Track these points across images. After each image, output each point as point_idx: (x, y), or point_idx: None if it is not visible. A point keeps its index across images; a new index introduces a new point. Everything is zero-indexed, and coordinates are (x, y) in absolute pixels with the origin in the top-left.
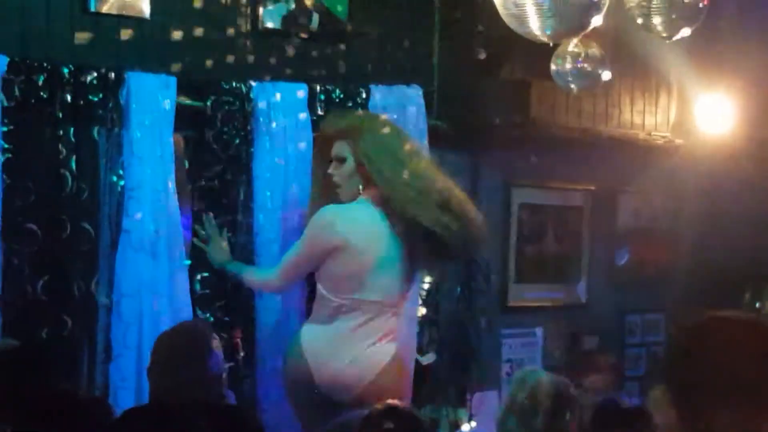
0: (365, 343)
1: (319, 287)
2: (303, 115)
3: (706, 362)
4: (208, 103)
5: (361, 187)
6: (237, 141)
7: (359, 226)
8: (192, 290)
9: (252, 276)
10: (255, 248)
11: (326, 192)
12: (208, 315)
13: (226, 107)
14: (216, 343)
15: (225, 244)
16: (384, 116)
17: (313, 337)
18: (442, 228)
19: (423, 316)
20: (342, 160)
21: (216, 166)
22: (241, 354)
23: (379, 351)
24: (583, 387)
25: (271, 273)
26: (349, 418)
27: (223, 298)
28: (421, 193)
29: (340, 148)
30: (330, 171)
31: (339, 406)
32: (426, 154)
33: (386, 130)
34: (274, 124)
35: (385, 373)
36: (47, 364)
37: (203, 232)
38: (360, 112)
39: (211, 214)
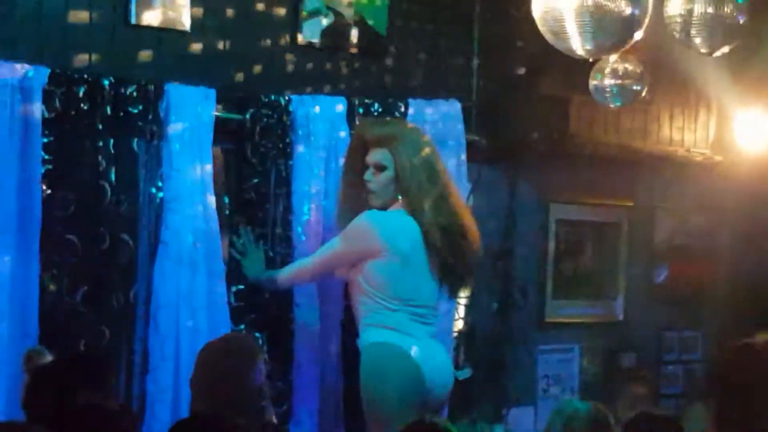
0: (445, 352)
1: (376, 295)
2: (342, 129)
3: (751, 380)
4: (247, 116)
5: (399, 196)
6: (275, 154)
7: (403, 234)
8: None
9: (284, 274)
10: (294, 261)
11: (355, 196)
12: (241, 327)
13: (265, 120)
14: (261, 357)
15: (261, 256)
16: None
17: (408, 342)
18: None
19: (459, 332)
20: (382, 168)
21: (254, 178)
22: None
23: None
24: (619, 401)
25: (303, 264)
26: None
27: (259, 311)
28: (442, 215)
29: (381, 155)
30: (367, 177)
31: (429, 411)
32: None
33: (426, 143)
34: (312, 138)
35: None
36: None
37: (240, 245)
38: (401, 121)
39: (248, 227)
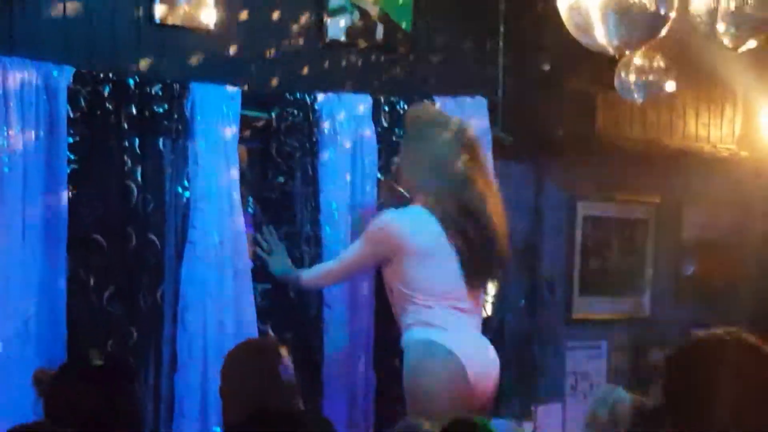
0: (488, 344)
1: (410, 295)
2: (367, 127)
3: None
4: (273, 115)
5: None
6: (301, 153)
7: (421, 229)
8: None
9: (309, 274)
10: (323, 260)
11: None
12: (268, 327)
13: (291, 119)
14: (285, 355)
15: (285, 253)
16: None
17: (449, 338)
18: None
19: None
20: None
21: (280, 177)
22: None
23: (493, 352)
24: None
25: (328, 266)
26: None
27: (286, 309)
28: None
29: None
30: None
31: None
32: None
33: (438, 127)
34: (338, 136)
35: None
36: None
37: (265, 243)
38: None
39: (272, 226)
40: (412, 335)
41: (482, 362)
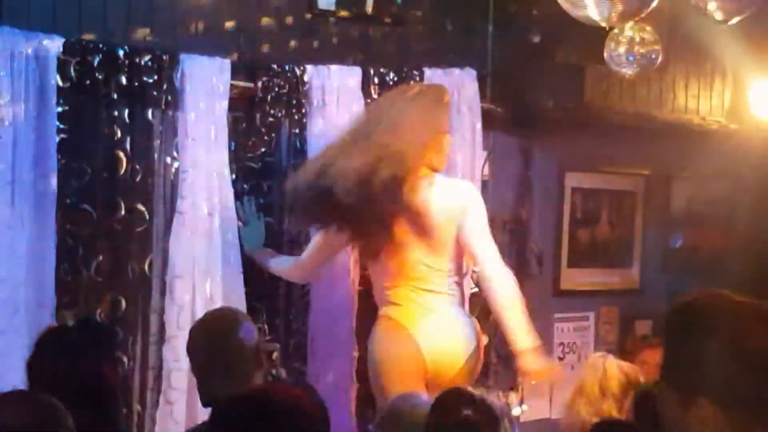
0: (458, 321)
1: (377, 279)
2: (356, 98)
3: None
4: (259, 85)
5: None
6: (290, 124)
7: None
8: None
9: (278, 262)
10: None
11: None
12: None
13: (278, 89)
14: (245, 321)
15: (262, 228)
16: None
17: (402, 312)
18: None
19: (474, 299)
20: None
21: (267, 148)
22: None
23: (464, 329)
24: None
25: (297, 260)
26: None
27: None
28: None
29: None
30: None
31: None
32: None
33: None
34: (327, 107)
35: (475, 351)
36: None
37: (242, 213)
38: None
39: (252, 198)
40: (379, 313)
41: (441, 338)
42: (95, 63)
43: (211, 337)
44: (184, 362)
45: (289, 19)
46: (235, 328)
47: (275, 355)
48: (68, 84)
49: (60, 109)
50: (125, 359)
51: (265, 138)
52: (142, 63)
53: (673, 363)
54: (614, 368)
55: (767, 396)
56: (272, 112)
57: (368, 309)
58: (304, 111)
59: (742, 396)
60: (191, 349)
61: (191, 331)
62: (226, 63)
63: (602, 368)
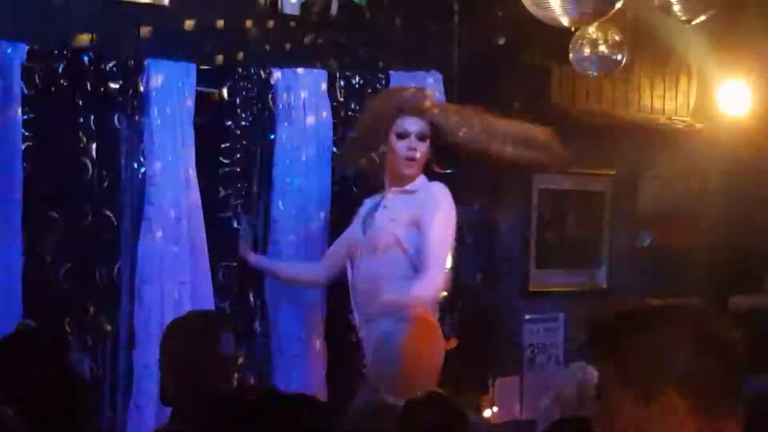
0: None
1: None
2: (322, 102)
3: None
4: (224, 90)
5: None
6: (256, 128)
7: None
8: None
9: (293, 268)
10: (272, 235)
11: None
12: (226, 305)
13: (245, 94)
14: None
15: (250, 236)
16: None
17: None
18: None
19: (443, 302)
20: (425, 138)
21: (235, 153)
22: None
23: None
24: None
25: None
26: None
27: (244, 288)
28: None
29: (423, 125)
30: (413, 146)
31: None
32: None
33: None
34: (293, 111)
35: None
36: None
37: (242, 228)
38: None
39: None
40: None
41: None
42: (60, 69)
43: (191, 340)
44: (154, 367)
45: (255, 24)
46: (218, 334)
47: (240, 360)
48: (33, 91)
49: (25, 116)
50: (93, 365)
51: (239, 143)
52: (107, 69)
53: (626, 365)
54: (593, 377)
55: (725, 384)
56: (243, 116)
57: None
58: (269, 114)
59: (704, 385)
60: (167, 348)
61: (171, 328)
62: (192, 67)
63: (580, 376)
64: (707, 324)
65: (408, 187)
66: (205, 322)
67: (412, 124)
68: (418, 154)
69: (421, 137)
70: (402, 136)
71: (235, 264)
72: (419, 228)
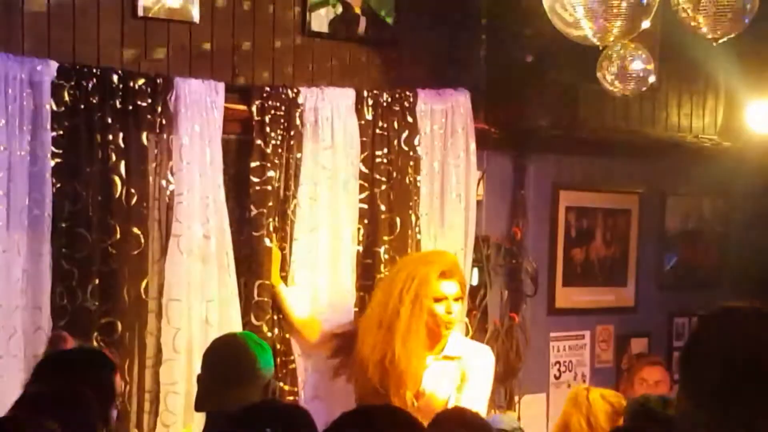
0: None
1: None
2: (350, 120)
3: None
4: (254, 109)
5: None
6: (284, 146)
7: None
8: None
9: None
10: (296, 254)
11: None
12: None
13: (274, 112)
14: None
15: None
16: None
17: None
18: None
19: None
20: (459, 299)
21: (263, 171)
22: None
23: None
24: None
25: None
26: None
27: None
28: None
29: (456, 287)
30: (449, 310)
31: None
32: None
33: None
34: (321, 129)
35: None
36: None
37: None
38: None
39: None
40: None
41: None
42: (89, 87)
43: (239, 360)
44: (181, 385)
45: (283, 42)
46: (260, 358)
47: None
48: (62, 108)
49: (54, 133)
50: (122, 383)
51: (267, 161)
52: (136, 87)
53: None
54: (599, 402)
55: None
56: (270, 134)
57: None
58: (295, 133)
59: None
60: (211, 362)
61: (219, 344)
62: (220, 85)
63: (587, 402)
64: None
65: (450, 353)
66: (247, 343)
67: (451, 287)
68: (456, 316)
69: (456, 299)
70: (440, 299)
71: (268, 282)
72: (462, 390)
